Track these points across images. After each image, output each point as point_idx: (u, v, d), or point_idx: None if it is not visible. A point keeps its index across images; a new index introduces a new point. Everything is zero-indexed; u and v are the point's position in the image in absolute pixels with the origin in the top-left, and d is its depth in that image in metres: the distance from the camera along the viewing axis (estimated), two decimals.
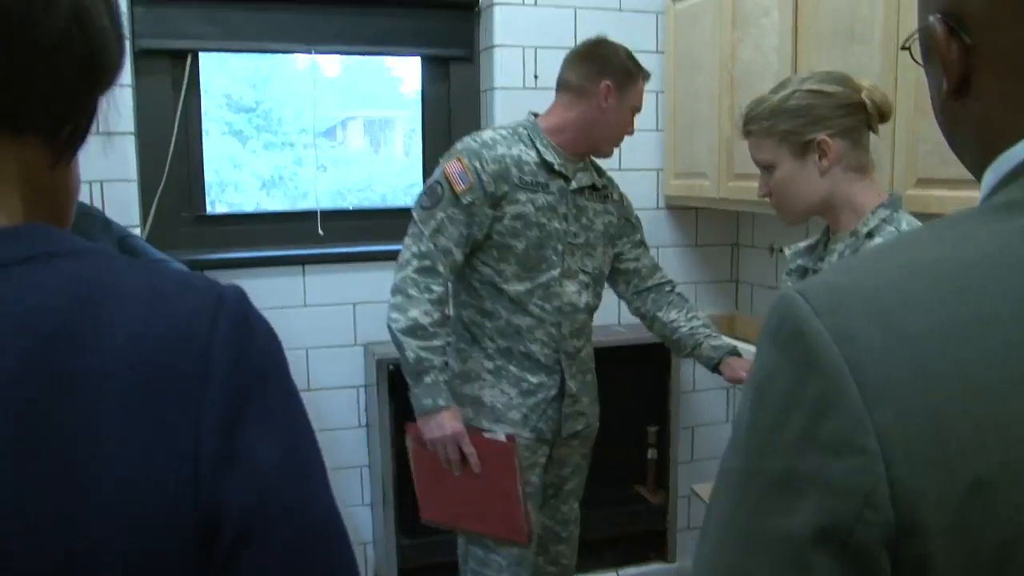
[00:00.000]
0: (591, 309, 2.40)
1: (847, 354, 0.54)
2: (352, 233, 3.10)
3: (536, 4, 3.04)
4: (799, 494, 0.54)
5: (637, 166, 3.24)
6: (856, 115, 1.65)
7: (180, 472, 0.53)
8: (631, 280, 2.50)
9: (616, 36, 3.19)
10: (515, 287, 2.24)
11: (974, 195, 2.17)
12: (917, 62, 0.86)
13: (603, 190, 2.41)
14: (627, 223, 2.49)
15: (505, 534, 2.28)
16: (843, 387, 0.53)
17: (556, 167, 2.26)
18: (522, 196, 2.22)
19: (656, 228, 3.27)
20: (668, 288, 2.51)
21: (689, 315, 2.45)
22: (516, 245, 2.22)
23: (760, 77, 2.63)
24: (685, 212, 3.31)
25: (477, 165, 2.18)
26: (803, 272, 1.78)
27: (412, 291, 2.16)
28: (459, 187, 2.16)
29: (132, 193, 2.73)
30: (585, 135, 2.30)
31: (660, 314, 2.46)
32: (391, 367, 2.71)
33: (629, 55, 2.34)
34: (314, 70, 3.44)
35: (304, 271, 2.94)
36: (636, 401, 3.13)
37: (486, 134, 2.28)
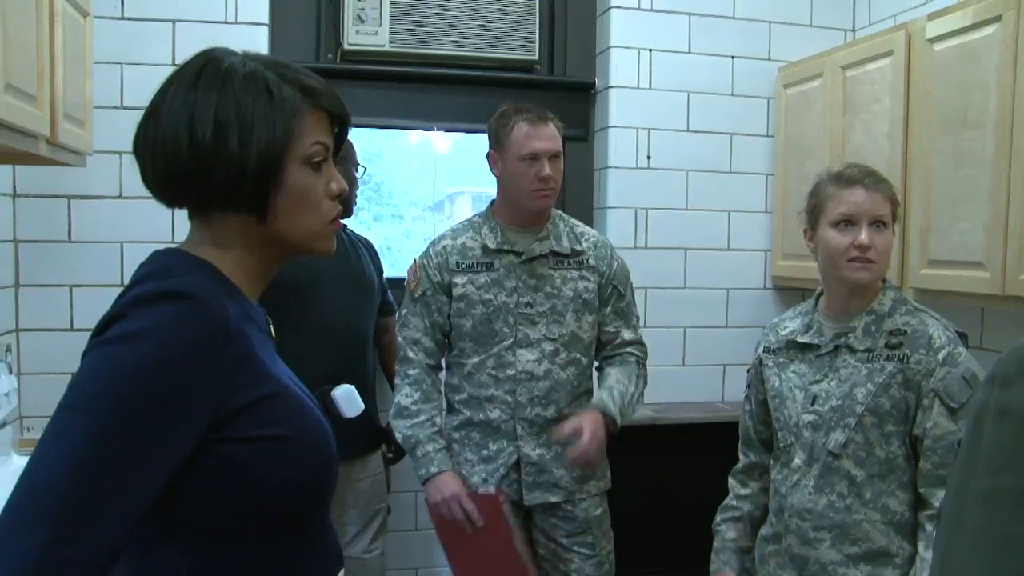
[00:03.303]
0: (557, 376, 2.38)
1: None
2: None
3: (651, 88, 3.16)
4: None
5: (744, 246, 3.30)
6: None
7: None
8: (602, 349, 2.50)
9: (727, 120, 3.29)
10: (471, 360, 2.40)
11: (976, 275, 2.28)
12: None
13: (576, 256, 2.42)
14: (613, 289, 2.46)
15: None
16: None
17: (492, 247, 2.38)
18: (460, 279, 2.39)
19: (762, 306, 3.31)
20: (631, 358, 2.48)
21: (620, 377, 2.42)
22: (464, 323, 2.39)
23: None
24: (791, 292, 3.34)
25: (424, 262, 2.44)
26: (802, 348, 1.89)
27: (396, 380, 2.44)
28: (412, 284, 2.44)
29: None
30: (509, 205, 2.41)
31: (607, 368, 2.48)
32: None
33: (505, 110, 2.39)
34: (426, 146, 3.58)
35: None
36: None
37: (442, 232, 2.51)
